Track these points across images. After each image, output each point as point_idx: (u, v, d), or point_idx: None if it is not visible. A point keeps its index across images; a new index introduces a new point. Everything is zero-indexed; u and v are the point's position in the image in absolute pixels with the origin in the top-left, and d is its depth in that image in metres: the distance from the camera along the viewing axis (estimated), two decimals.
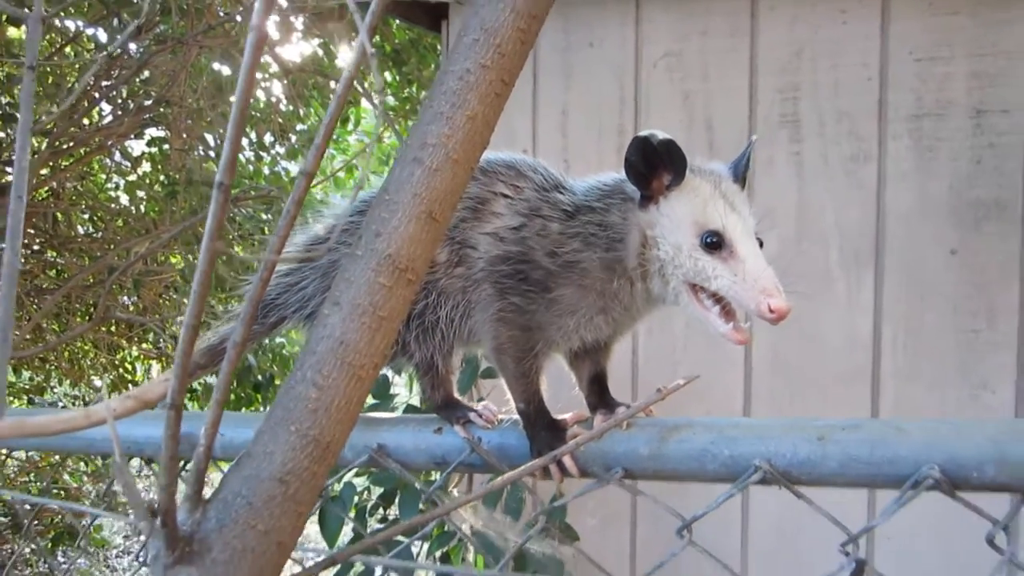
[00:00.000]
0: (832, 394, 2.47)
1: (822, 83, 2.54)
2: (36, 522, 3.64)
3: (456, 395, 1.08)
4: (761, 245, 0.96)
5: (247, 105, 0.59)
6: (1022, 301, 2.34)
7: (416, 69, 4.48)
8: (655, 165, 0.98)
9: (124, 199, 4.52)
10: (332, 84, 4.78)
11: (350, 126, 5.01)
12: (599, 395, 1.07)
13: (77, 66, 3.75)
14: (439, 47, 4.67)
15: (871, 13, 2.47)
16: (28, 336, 3.61)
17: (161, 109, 3.86)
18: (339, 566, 2.26)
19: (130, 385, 4.74)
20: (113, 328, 4.35)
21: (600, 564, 0.91)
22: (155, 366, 4.91)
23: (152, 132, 4.26)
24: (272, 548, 0.70)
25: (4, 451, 4.06)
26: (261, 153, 4.43)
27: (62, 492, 4.68)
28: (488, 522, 1.07)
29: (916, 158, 2.44)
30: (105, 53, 3.35)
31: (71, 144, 3.74)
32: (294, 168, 4.75)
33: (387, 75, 4.71)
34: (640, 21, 2.77)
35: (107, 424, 0.72)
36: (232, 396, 4.52)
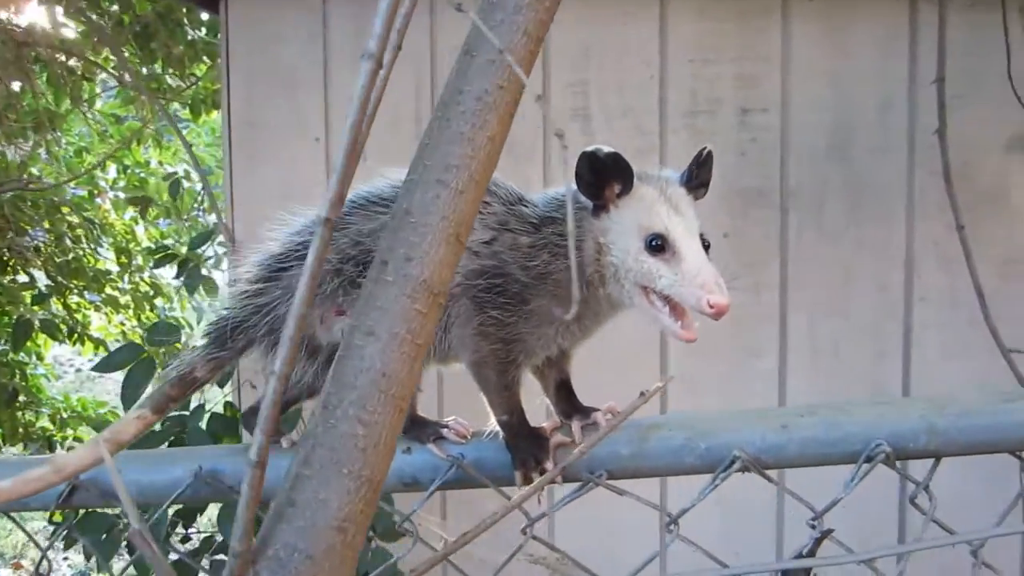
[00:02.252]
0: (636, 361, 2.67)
1: (609, 80, 2.72)
2: None
3: (420, 412, 1.05)
4: (708, 245, 1.03)
5: (358, 136, 0.54)
6: (782, 278, 2.68)
7: (164, 45, 4.13)
8: (604, 176, 1.02)
9: None
10: (61, 57, 4.28)
11: (84, 107, 4.49)
12: (569, 401, 1.10)
13: None
14: (187, 24, 4.34)
15: (651, 17, 2.68)
16: None
17: None
18: None
19: None
20: None
21: (584, 565, 0.95)
22: None
23: None
24: None
25: None
26: None
27: None
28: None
29: (692, 151, 2.70)
30: None
31: None
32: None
33: (127, 50, 4.29)
34: (434, 10, 2.77)
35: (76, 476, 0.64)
36: None
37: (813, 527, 0.91)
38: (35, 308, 3.88)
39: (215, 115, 4.76)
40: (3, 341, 4.11)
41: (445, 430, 1.02)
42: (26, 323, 3.49)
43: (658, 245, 1.00)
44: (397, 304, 0.71)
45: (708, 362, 2.68)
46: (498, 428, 1.01)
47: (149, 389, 2.22)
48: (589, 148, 1.00)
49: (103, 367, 2.24)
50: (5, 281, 4.19)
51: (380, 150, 2.77)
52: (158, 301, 5.04)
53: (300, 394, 1.12)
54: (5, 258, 4.02)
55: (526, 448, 0.98)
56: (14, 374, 4.01)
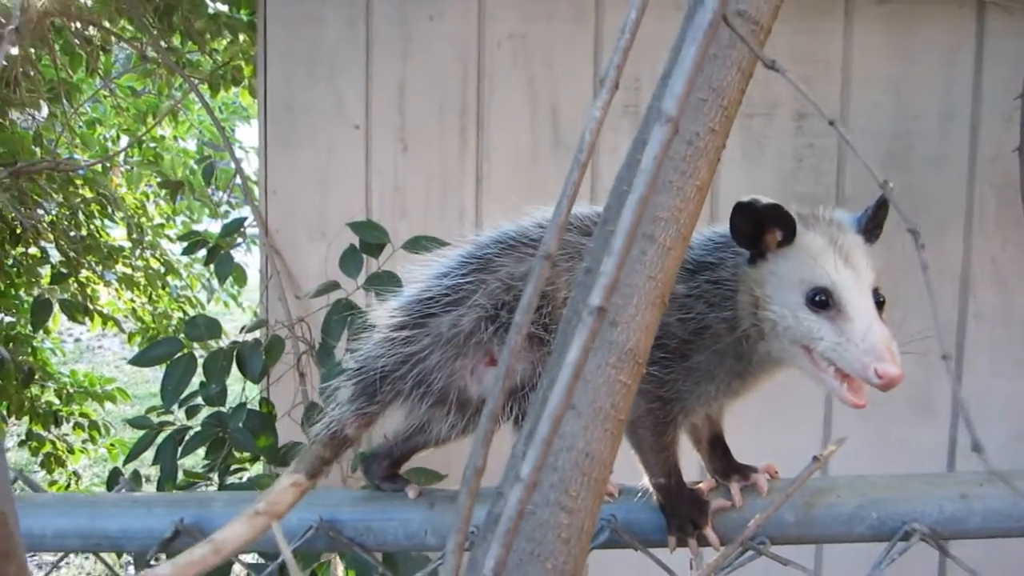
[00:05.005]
0: None
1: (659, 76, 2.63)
2: None
3: None
4: (882, 302, 0.94)
5: (643, 212, 0.47)
6: None
7: (186, 19, 3.99)
8: (763, 223, 0.93)
9: None
10: (76, 25, 4.15)
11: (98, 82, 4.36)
12: (725, 459, 1.02)
13: None
14: (217, 1, 4.21)
15: None
16: None
17: None
18: None
19: None
20: None
21: None
22: None
23: None
24: None
25: None
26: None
27: None
28: None
29: (748, 153, 2.62)
30: None
31: None
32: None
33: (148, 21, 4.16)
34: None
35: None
36: None
37: None
38: (54, 287, 3.77)
39: (232, 91, 4.63)
40: (17, 316, 4.00)
41: None
42: (45, 302, 3.38)
43: (822, 301, 0.91)
44: (602, 376, 0.64)
45: None
46: (650, 488, 0.94)
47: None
48: (745, 199, 0.92)
49: (141, 360, 2.15)
50: (17, 254, 4.08)
51: (423, 141, 2.70)
52: (169, 279, 4.94)
53: (426, 444, 1.04)
54: (18, 231, 3.91)
55: (684, 512, 0.91)
56: (33, 352, 3.91)
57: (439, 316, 0.98)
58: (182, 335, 2.34)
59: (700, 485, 0.97)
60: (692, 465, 1.01)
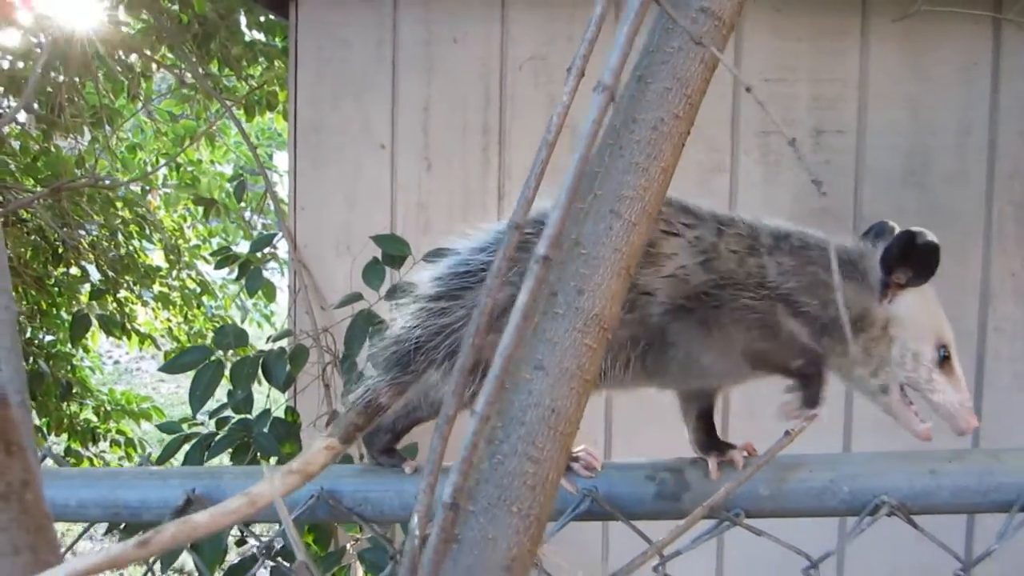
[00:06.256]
0: None
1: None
2: None
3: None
4: None
5: (584, 170, 0.52)
6: None
7: (223, 47, 4.15)
8: (907, 259, 0.99)
9: None
10: (120, 54, 4.32)
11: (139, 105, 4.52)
12: (708, 433, 1.07)
13: None
14: (245, 26, 4.36)
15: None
16: None
17: None
18: None
19: None
20: None
21: None
22: None
23: None
24: None
25: None
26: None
27: None
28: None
29: (764, 170, 2.66)
30: None
31: None
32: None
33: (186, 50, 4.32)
34: (506, 20, 2.76)
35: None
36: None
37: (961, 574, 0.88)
38: (92, 303, 3.91)
39: (268, 116, 4.78)
40: (57, 334, 4.14)
41: (575, 463, 0.99)
42: (84, 317, 3.51)
43: (945, 357, 0.99)
44: (568, 339, 0.69)
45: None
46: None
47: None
48: (915, 229, 0.98)
49: (171, 368, 2.23)
50: (58, 274, 4.23)
51: (447, 159, 2.78)
52: (204, 299, 5.07)
53: (428, 416, 1.08)
54: (60, 251, 4.05)
55: (819, 390, 0.97)
56: (72, 368, 4.04)
57: (474, 289, 1.01)
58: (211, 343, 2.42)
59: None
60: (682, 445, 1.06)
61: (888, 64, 2.59)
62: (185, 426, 2.37)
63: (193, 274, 5.02)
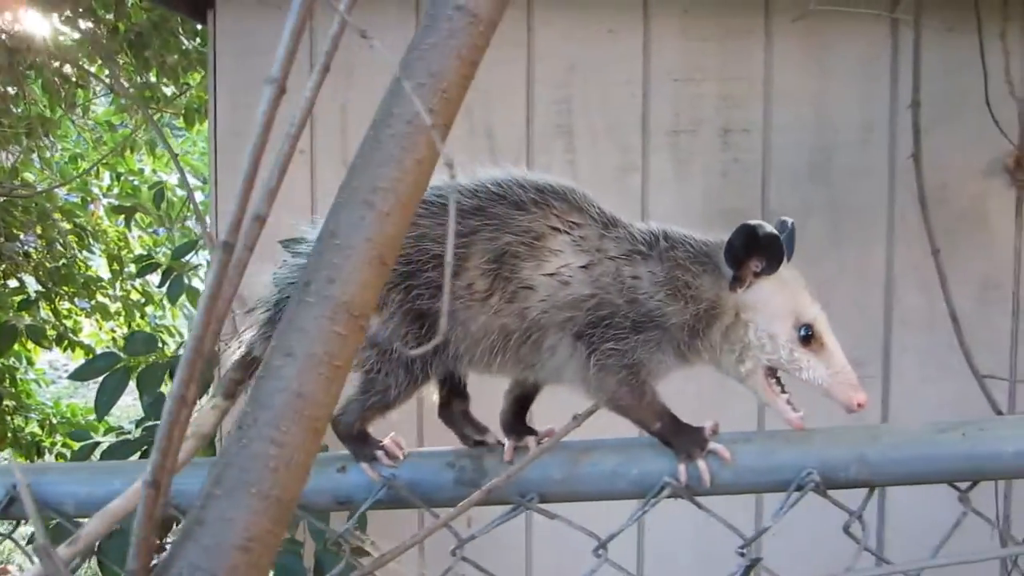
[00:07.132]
0: None
1: (592, 98, 2.73)
2: None
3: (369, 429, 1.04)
4: None
5: (259, 159, 0.55)
6: None
7: (158, 54, 4.15)
8: (753, 249, 1.02)
9: None
10: (56, 64, 4.30)
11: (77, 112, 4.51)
12: (517, 417, 1.10)
13: None
14: (181, 34, 4.36)
15: (635, 35, 2.69)
16: None
17: None
18: None
19: None
20: None
21: None
22: None
23: None
24: None
25: None
26: None
27: None
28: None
29: (674, 170, 2.71)
30: None
31: None
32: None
33: (122, 58, 4.32)
34: (420, 24, 2.78)
35: None
36: None
37: (742, 555, 0.91)
38: (22, 313, 3.89)
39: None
40: None
41: (380, 452, 1.01)
42: (11, 328, 3.50)
43: (808, 336, 1.02)
44: (316, 326, 0.71)
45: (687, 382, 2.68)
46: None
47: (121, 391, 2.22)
48: (752, 222, 1.01)
49: (80, 375, 2.24)
50: None
51: None
52: (149, 309, 5.05)
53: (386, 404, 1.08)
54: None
55: (686, 441, 0.98)
56: (13, 381, 4.03)
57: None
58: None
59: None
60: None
61: (792, 63, 2.64)
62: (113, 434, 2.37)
63: (137, 284, 5.00)
